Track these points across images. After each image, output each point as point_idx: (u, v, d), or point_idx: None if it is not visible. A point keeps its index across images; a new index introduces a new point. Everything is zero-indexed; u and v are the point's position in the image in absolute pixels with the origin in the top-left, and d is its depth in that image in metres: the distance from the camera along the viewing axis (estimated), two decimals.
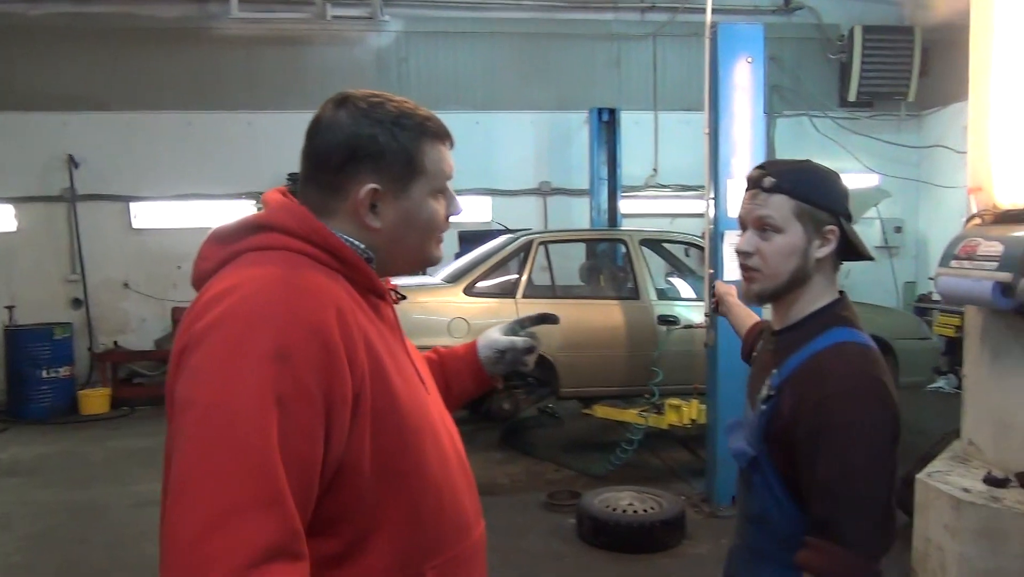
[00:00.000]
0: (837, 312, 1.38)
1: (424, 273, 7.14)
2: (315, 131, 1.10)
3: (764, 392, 1.39)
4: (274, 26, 8.15)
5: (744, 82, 4.49)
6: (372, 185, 1.08)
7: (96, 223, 7.92)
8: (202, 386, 0.88)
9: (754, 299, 1.43)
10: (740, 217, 1.42)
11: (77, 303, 7.96)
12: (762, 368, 1.46)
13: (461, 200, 1.21)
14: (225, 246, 1.05)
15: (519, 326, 1.55)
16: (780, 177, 1.35)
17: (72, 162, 7.79)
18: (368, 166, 1.08)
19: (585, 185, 8.26)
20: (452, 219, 1.20)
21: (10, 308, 7.65)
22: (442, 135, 1.15)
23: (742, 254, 1.40)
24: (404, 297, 1.25)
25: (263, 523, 0.82)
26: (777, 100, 8.72)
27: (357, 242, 1.10)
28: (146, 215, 8.06)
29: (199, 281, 1.05)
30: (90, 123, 7.86)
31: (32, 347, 7.27)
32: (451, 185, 1.18)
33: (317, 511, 0.95)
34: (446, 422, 1.20)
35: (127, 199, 8.01)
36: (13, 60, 7.75)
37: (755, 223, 1.38)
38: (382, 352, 1.04)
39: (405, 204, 1.11)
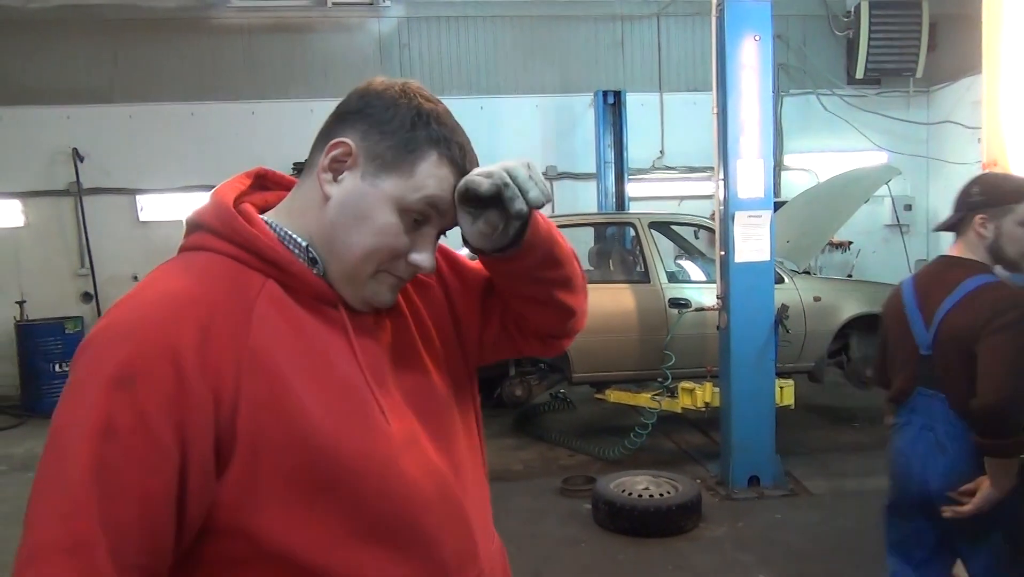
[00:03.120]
0: None
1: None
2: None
3: None
4: (274, 14, 8.10)
5: (752, 60, 4.44)
6: (346, 139, 0.92)
7: (103, 217, 7.92)
8: (56, 412, 0.82)
9: None
10: None
11: (87, 297, 7.98)
12: None
13: None
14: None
15: None
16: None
17: (77, 156, 7.78)
18: (361, 126, 0.93)
19: (591, 169, 8.22)
20: None
21: (21, 303, 7.65)
22: (457, 164, 0.94)
23: None
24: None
25: (59, 572, 0.74)
26: (784, 78, 8.63)
27: (299, 238, 0.93)
28: (153, 207, 8.05)
29: None
30: (93, 116, 7.85)
31: (44, 342, 7.29)
32: (430, 232, 0.96)
33: (200, 553, 0.84)
34: (427, 455, 0.95)
35: (133, 192, 8.01)
36: (14, 54, 7.74)
37: None
38: (293, 377, 0.85)
39: (364, 188, 0.91)
